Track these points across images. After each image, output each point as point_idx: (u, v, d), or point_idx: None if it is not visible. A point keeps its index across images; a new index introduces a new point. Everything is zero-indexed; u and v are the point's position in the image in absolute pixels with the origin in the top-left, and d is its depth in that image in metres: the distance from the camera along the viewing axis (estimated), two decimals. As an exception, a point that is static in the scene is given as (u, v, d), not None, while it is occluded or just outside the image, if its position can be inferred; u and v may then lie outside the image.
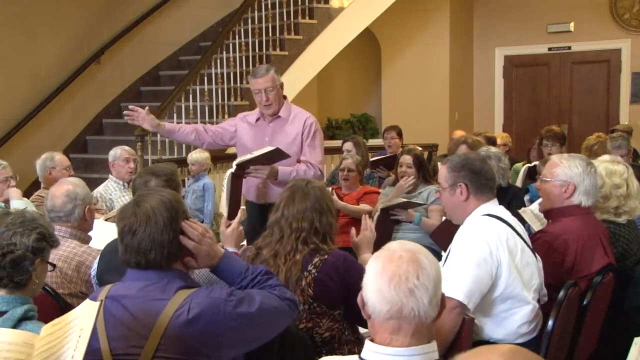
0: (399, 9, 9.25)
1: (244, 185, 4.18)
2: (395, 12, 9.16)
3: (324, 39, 8.26)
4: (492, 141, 5.69)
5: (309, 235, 2.63)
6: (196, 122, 7.10)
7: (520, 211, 3.63)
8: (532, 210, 3.64)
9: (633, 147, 5.90)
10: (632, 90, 9.81)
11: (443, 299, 1.72)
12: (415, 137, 7.64)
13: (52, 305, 2.76)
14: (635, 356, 1.90)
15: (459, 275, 2.55)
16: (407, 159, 4.75)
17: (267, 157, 4.00)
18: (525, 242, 2.72)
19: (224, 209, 4.08)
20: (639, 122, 9.25)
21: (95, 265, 2.96)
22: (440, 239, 3.87)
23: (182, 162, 6.34)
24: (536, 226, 3.51)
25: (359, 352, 1.72)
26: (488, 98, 10.70)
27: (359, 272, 2.45)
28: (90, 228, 3.35)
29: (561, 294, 2.71)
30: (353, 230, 2.94)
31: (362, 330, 2.67)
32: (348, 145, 5.97)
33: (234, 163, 4.12)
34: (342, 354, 2.54)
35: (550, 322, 2.67)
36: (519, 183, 5.49)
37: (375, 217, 4.43)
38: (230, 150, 4.54)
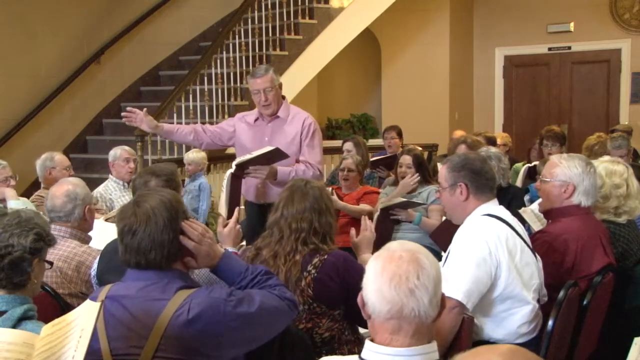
0: (399, 9, 9.25)
1: (243, 186, 4.19)
2: (395, 12, 9.16)
3: (324, 39, 8.26)
4: (492, 141, 5.69)
5: (308, 236, 2.63)
6: (196, 122, 7.11)
7: (520, 211, 3.63)
8: (532, 210, 3.64)
9: (633, 147, 5.90)
10: (632, 90, 9.81)
11: (443, 298, 1.72)
12: (415, 137, 7.64)
13: (52, 305, 2.77)
14: (635, 356, 1.90)
15: (458, 275, 2.55)
16: (407, 159, 4.75)
17: (266, 157, 4.01)
18: (525, 242, 2.72)
19: (222, 209, 4.08)
20: (639, 122, 9.25)
21: (95, 265, 2.96)
22: (440, 239, 3.87)
23: (182, 162, 6.35)
24: (536, 226, 3.50)
25: (358, 352, 1.72)
26: (488, 98, 10.70)
27: (359, 272, 2.45)
28: (90, 228, 3.35)
29: (561, 294, 2.71)
30: (353, 231, 2.93)
31: (362, 330, 2.67)
32: (348, 145, 5.97)
33: (234, 163, 4.12)
34: (342, 354, 2.54)
35: (550, 322, 2.67)
36: (519, 183, 5.49)
37: (375, 217, 4.43)
38: (230, 151, 4.54)
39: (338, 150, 7.88)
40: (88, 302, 1.84)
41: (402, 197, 4.56)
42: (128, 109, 4.28)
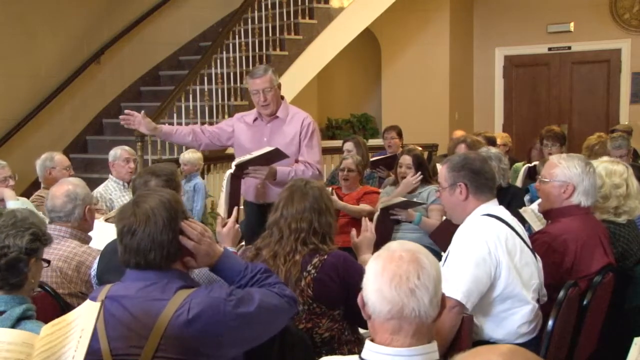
0: (399, 9, 9.25)
1: (243, 186, 4.19)
2: (395, 12, 9.16)
3: (324, 39, 8.26)
4: (492, 141, 5.68)
5: (308, 236, 2.63)
6: (196, 122, 7.11)
7: (521, 211, 3.63)
8: (532, 210, 3.64)
9: (633, 147, 5.90)
10: (632, 90, 9.81)
11: (443, 298, 1.72)
12: (415, 137, 7.64)
13: (52, 305, 2.77)
14: (635, 356, 1.90)
15: (457, 274, 2.55)
16: (407, 159, 4.75)
17: (266, 157, 4.01)
18: (524, 242, 2.72)
19: (222, 209, 4.08)
20: (639, 122, 9.25)
21: (95, 265, 2.96)
22: (439, 239, 3.88)
23: (182, 162, 6.35)
24: (537, 226, 3.50)
25: (358, 352, 1.71)
26: (488, 98, 10.70)
27: (359, 272, 2.45)
28: (90, 228, 3.35)
29: (561, 294, 2.71)
30: (354, 231, 2.93)
31: (361, 330, 2.67)
32: (349, 145, 5.97)
33: (233, 164, 4.12)
34: (342, 354, 2.54)
35: (550, 322, 2.66)
36: (519, 183, 5.49)
37: (375, 216, 4.43)
38: (230, 151, 4.55)
39: (338, 150, 7.88)
40: (88, 302, 1.84)
41: (402, 197, 4.57)
42: (126, 111, 4.28)
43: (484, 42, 10.65)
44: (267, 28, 7.99)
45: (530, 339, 2.70)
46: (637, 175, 3.46)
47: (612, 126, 8.06)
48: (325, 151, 7.44)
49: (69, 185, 3.27)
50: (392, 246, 1.72)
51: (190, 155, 6.15)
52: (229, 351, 2.05)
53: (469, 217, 2.75)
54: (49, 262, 2.29)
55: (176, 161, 6.33)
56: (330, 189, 4.62)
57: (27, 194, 5.41)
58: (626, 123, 8.81)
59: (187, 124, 7.02)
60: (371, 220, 3.93)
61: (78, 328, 1.71)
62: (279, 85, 4.23)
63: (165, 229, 2.05)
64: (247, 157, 4.03)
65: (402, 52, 10.38)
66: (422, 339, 1.66)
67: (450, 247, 2.69)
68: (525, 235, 2.78)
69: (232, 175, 4.08)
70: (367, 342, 1.69)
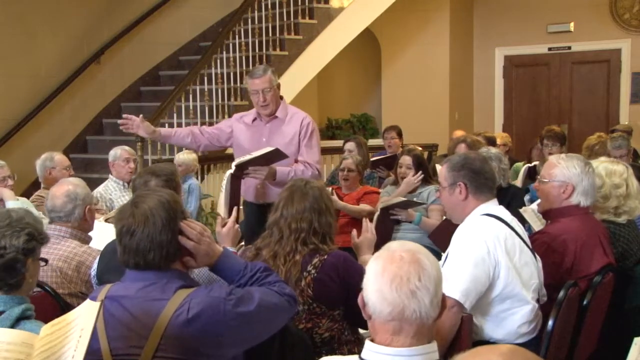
0: (399, 9, 9.25)
1: (242, 186, 4.19)
2: (395, 12, 9.16)
3: (324, 39, 8.26)
4: (491, 141, 5.69)
5: (308, 236, 2.63)
6: (196, 122, 7.12)
7: (521, 210, 3.63)
8: (532, 210, 3.64)
9: (633, 147, 5.90)
10: (632, 90, 9.81)
11: (444, 298, 1.71)
12: (415, 137, 7.63)
13: (52, 305, 2.77)
14: (635, 356, 1.90)
15: (456, 274, 2.55)
16: (406, 159, 4.75)
17: (266, 157, 4.01)
18: (524, 242, 2.72)
19: (222, 209, 4.08)
20: (639, 122, 9.25)
21: (95, 265, 2.96)
22: (439, 239, 3.88)
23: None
24: (537, 226, 3.50)
25: (358, 352, 1.71)
26: (488, 98, 10.70)
27: (359, 272, 2.45)
28: (90, 228, 3.35)
29: (561, 294, 2.71)
30: (354, 232, 2.93)
31: (361, 331, 2.67)
32: (350, 146, 5.97)
33: (233, 164, 4.12)
34: (342, 354, 2.54)
35: (550, 322, 2.66)
36: (519, 183, 5.49)
37: (375, 216, 4.43)
38: (230, 151, 4.55)
39: (338, 150, 7.88)
40: (88, 301, 1.84)
41: (403, 197, 4.57)
42: (124, 115, 4.29)
43: (484, 42, 10.65)
44: (267, 28, 7.99)
45: (530, 339, 2.70)
46: (637, 175, 3.46)
47: (612, 126, 8.06)
48: (325, 151, 7.45)
49: (69, 185, 3.27)
50: (393, 246, 1.71)
51: (185, 157, 6.15)
52: (229, 350, 2.05)
53: (469, 217, 2.75)
54: (46, 260, 2.28)
55: (175, 161, 6.34)
56: (330, 189, 4.62)
57: (27, 194, 5.41)
58: (626, 123, 8.81)
59: (187, 124, 7.02)
60: (371, 220, 3.93)
61: (78, 328, 1.71)
62: (278, 86, 4.23)
63: (165, 229, 2.05)
64: (247, 157, 4.03)
65: (402, 52, 10.38)
66: (422, 339, 1.65)
67: (450, 247, 2.69)
68: (525, 235, 2.78)
69: (232, 176, 4.08)
70: (367, 342, 1.69)
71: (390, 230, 4.50)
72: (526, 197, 4.53)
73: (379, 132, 10.00)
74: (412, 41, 10.25)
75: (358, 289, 1.74)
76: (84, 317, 1.73)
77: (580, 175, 3.04)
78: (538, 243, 2.93)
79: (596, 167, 3.28)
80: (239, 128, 4.32)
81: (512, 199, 4.19)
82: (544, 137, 5.88)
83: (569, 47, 10.15)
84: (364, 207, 4.86)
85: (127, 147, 5.26)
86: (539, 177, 3.30)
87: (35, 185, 5.94)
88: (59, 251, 3.07)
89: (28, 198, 4.63)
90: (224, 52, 7.62)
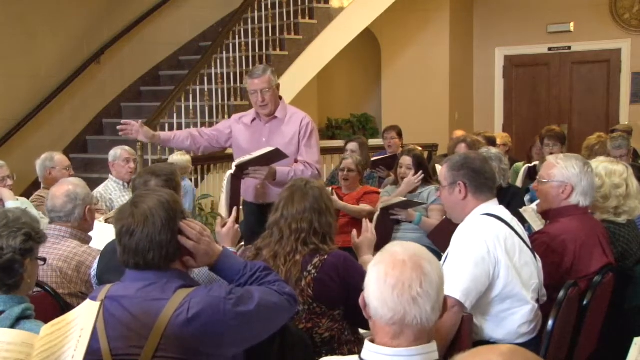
0: (399, 9, 9.25)
1: (242, 186, 4.19)
2: (395, 12, 9.16)
3: (324, 39, 8.26)
4: (491, 141, 5.69)
5: (308, 236, 2.63)
6: (196, 122, 7.12)
7: (521, 210, 3.63)
8: (533, 209, 3.64)
9: (633, 147, 5.90)
10: (632, 90, 9.81)
11: (445, 300, 1.71)
12: (415, 137, 7.63)
13: (52, 305, 2.77)
14: (635, 356, 1.90)
15: (456, 273, 2.55)
16: (407, 159, 4.75)
17: (266, 158, 4.01)
18: (524, 242, 2.72)
19: (223, 209, 4.08)
20: (639, 122, 9.25)
21: (95, 265, 2.96)
22: (438, 239, 3.88)
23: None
24: (537, 226, 3.50)
25: (358, 352, 1.71)
26: (488, 98, 10.70)
27: (359, 272, 2.47)
28: (90, 228, 3.35)
29: (561, 294, 2.71)
30: (354, 232, 2.93)
31: (361, 331, 2.67)
32: (353, 146, 5.97)
33: (234, 164, 4.12)
34: (342, 354, 2.54)
35: (550, 322, 2.66)
36: (519, 183, 5.50)
37: (375, 216, 4.43)
38: (230, 150, 4.56)
39: (338, 150, 7.88)
40: (88, 301, 1.84)
41: (403, 197, 4.56)
42: (123, 121, 4.31)
43: (484, 42, 10.65)
44: (267, 28, 7.99)
45: (530, 339, 2.70)
46: (637, 175, 3.46)
47: (612, 126, 8.05)
48: (325, 151, 7.45)
49: (69, 186, 3.27)
50: (395, 250, 1.69)
51: (178, 158, 6.14)
52: (229, 350, 2.05)
53: (469, 217, 2.75)
54: (44, 260, 2.28)
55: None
56: (330, 189, 4.62)
57: (27, 194, 5.41)
58: (626, 123, 8.81)
59: (187, 124, 7.03)
60: (371, 220, 3.93)
61: (78, 328, 1.71)
62: (278, 86, 4.23)
63: (164, 229, 2.05)
64: (248, 157, 4.03)
65: (402, 52, 10.38)
66: (422, 340, 1.65)
67: (450, 247, 2.69)
68: (525, 235, 2.78)
69: (232, 176, 4.08)
70: (367, 343, 1.69)
71: (390, 230, 4.50)
72: (526, 197, 4.53)
73: (379, 132, 10.00)
74: (412, 41, 10.25)
75: (358, 289, 1.74)
76: (84, 317, 1.73)
77: (579, 176, 3.04)
78: (537, 243, 2.93)
79: (596, 167, 3.28)
80: (238, 129, 4.32)
81: (512, 199, 4.19)
82: (544, 137, 5.88)
83: (569, 47, 10.15)
84: (364, 207, 4.86)
85: (127, 147, 5.26)
86: (537, 177, 3.30)
87: (35, 185, 5.93)
88: (59, 251, 3.07)
89: (28, 198, 4.63)
90: (224, 52, 7.62)
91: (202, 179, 7.15)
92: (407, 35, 10.23)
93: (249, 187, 4.24)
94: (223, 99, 7.56)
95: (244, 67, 7.65)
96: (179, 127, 6.95)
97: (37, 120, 7.59)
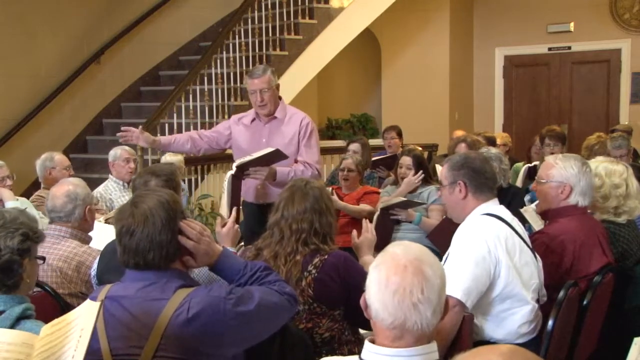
0: (399, 9, 9.25)
1: (243, 187, 4.19)
2: (395, 12, 9.16)
3: (324, 39, 8.25)
4: (491, 141, 5.69)
5: (309, 236, 2.63)
6: (196, 122, 7.12)
7: (522, 210, 3.63)
8: (533, 209, 3.64)
9: (633, 147, 5.90)
10: (632, 90, 9.81)
11: (447, 302, 1.70)
12: (415, 137, 7.63)
13: (52, 305, 2.77)
14: (635, 356, 1.90)
15: (457, 273, 2.55)
16: (407, 160, 4.75)
17: (266, 158, 4.01)
18: (524, 241, 2.72)
19: (224, 210, 4.09)
20: (639, 122, 9.25)
21: (95, 266, 2.96)
22: (437, 239, 3.87)
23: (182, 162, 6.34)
24: (537, 225, 3.51)
25: (359, 353, 1.71)
26: (488, 98, 10.70)
27: (360, 272, 2.47)
28: (90, 228, 3.35)
29: (561, 294, 2.71)
30: (354, 232, 2.93)
31: (361, 331, 2.67)
32: (355, 147, 5.97)
33: (234, 165, 4.13)
34: (342, 354, 2.54)
35: (550, 322, 2.67)
36: (519, 183, 5.50)
37: (375, 216, 4.43)
38: (230, 151, 4.57)
39: (338, 150, 7.88)
40: (88, 301, 1.84)
41: (403, 197, 4.56)
42: (123, 128, 4.33)
43: (484, 42, 10.65)
44: (267, 28, 7.98)
45: (531, 339, 2.70)
46: (637, 175, 3.46)
47: (612, 126, 8.05)
48: (325, 151, 7.45)
49: (69, 186, 3.27)
50: (397, 253, 1.67)
51: (171, 158, 6.12)
52: (229, 350, 2.05)
53: (469, 216, 2.75)
54: (44, 258, 2.28)
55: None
56: (330, 189, 4.62)
57: (27, 194, 5.41)
58: (626, 123, 8.81)
59: (187, 124, 7.03)
60: (371, 220, 3.93)
61: (78, 328, 1.71)
62: (278, 86, 4.24)
63: (164, 229, 2.05)
64: (248, 158, 4.04)
65: (402, 52, 10.38)
66: (423, 341, 1.65)
67: (451, 246, 2.69)
68: (525, 235, 2.78)
69: (233, 177, 4.08)
70: (367, 343, 1.68)
71: (390, 230, 4.50)
72: (526, 197, 4.53)
73: (379, 132, 10.00)
74: (412, 41, 10.25)
75: (359, 289, 1.73)
76: (84, 317, 1.73)
77: (578, 176, 3.04)
78: (537, 243, 2.93)
79: (596, 167, 3.28)
80: (238, 129, 4.33)
81: (512, 199, 4.19)
82: (544, 136, 5.88)
83: (569, 47, 10.15)
84: (364, 207, 4.86)
85: (127, 147, 5.26)
86: (536, 177, 3.30)
87: (35, 185, 5.93)
88: (59, 251, 3.07)
89: (28, 198, 4.63)
90: (224, 52, 7.61)
91: (202, 179, 7.15)
92: (407, 35, 10.23)
93: (249, 188, 4.24)
94: (223, 99, 7.55)
95: (244, 67, 7.65)
96: (179, 127, 6.96)
97: (37, 120, 7.58)
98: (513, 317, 2.66)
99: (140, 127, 4.32)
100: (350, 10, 8.42)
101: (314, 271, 2.57)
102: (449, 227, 2.95)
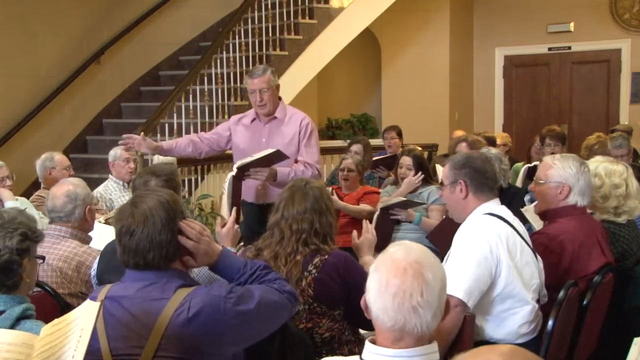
0: (399, 9, 9.25)
1: (243, 187, 4.19)
2: (395, 12, 9.16)
3: (324, 39, 8.25)
4: (491, 141, 5.69)
5: (309, 236, 2.63)
6: (196, 122, 7.12)
7: (523, 210, 3.63)
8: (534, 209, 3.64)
9: (633, 147, 5.91)
10: (632, 90, 9.81)
11: (447, 301, 1.70)
12: (415, 137, 7.63)
13: (52, 305, 2.77)
14: (635, 356, 1.90)
15: (459, 273, 2.55)
16: (407, 160, 4.74)
17: (267, 159, 4.02)
18: (525, 241, 2.72)
19: (225, 210, 4.09)
20: (639, 122, 9.24)
21: (95, 266, 2.96)
22: (438, 239, 3.88)
23: (181, 162, 6.34)
24: (538, 225, 3.51)
25: (359, 353, 1.71)
26: (488, 98, 10.69)
27: (360, 272, 2.47)
28: (90, 228, 3.35)
29: (561, 294, 2.71)
30: (355, 233, 2.93)
31: (362, 331, 2.67)
32: (357, 148, 5.97)
33: (235, 166, 4.13)
34: (342, 354, 2.54)
35: (550, 322, 2.66)
36: (519, 183, 5.49)
37: (375, 216, 4.43)
38: (230, 151, 4.57)
39: (338, 150, 7.88)
40: (88, 301, 1.84)
41: (403, 197, 4.56)
42: (125, 135, 4.34)
43: (484, 42, 10.65)
44: (267, 28, 7.98)
45: (531, 339, 2.70)
46: (637, 175, 3.46)
47: (612, 126, 8.05)
48: (325, 151, 7.44)
49: (69, 186, 3.27)
50: (397, 255, 1.67)
51: (162, 157, 6.14)
52: (230, 349, 2.05)
53: (471, 216, 2.75)
54: (43, 258, 2.28)
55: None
56: (330, 189, 4.62)
57: (27, 194, 5.41)
58: (626, 123, 8.81)
59: (187, 124, 7.03)
60: (371, 220, 3.93)
61: (78, 328, 1.71)
62: (277, 86, 4.24)
63: (164, 229, 2.05)
64: (249, 159, 4.05)
65: (402, 52, 10.37)
66: (423, 342, 1.65)
67: (452, 246, 2.69)
68: (526, 235, 2.78)
69: (234, 177, 4.09)
70: (367, 344, 1.68)
71: (390, 230, 4.50)
72: (526, 197, 4.53)
73: (379, 132, 9.99)
74: (412, 41, 10.25)
75: (359, 289, 1.73)
76: (84, 317, 1.73)
77: (577, 176, 3.04)
78: (536, 244, 2.92)
79: (595, 167, 3.28)
80: (238, 130, 4.34)
81: (512, 199, 4.19)
82: (544, 136, 5.88)
83: (569, 47, 10.15)
84: (364, 207, 4.86)
85: (127, 147, 5.25)
86: (535, 178, 3.30)
87: (35, 185, 5.93)
88: (59, 251, 3.07)
89: (28, 198, 4.63)
90: (224, 52, 7.61)
91: (202, 179, 7.14)
92: (407, 35, 10.23)
93: (249, 188, 4.24)
94: (223, 99, 7.55)
95: (244, 67, 7.64)
96: (179, 127, 6.96)
97: (37, 120, 7.58)
98: (513, 317, 2.66)
99: (142, 133, 4.32)
100: (350, 10, 8.42)
101: (314, 271, 2.57)
102: (449, 227, 2.95)
